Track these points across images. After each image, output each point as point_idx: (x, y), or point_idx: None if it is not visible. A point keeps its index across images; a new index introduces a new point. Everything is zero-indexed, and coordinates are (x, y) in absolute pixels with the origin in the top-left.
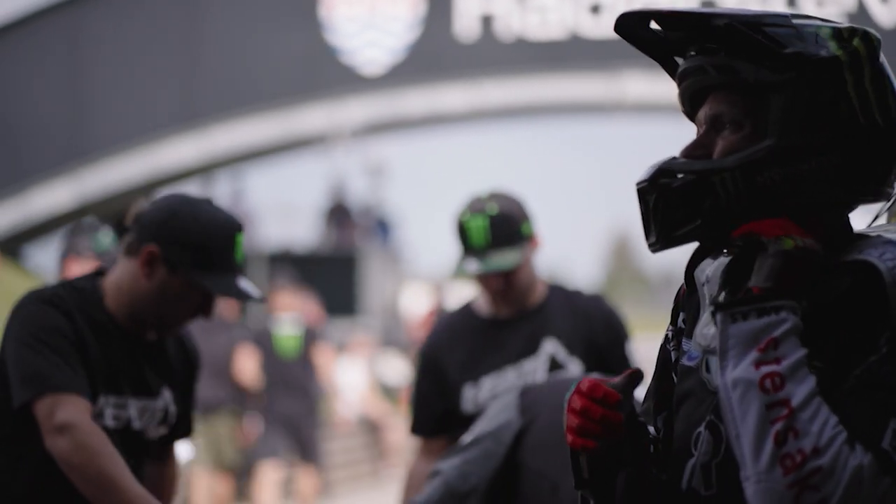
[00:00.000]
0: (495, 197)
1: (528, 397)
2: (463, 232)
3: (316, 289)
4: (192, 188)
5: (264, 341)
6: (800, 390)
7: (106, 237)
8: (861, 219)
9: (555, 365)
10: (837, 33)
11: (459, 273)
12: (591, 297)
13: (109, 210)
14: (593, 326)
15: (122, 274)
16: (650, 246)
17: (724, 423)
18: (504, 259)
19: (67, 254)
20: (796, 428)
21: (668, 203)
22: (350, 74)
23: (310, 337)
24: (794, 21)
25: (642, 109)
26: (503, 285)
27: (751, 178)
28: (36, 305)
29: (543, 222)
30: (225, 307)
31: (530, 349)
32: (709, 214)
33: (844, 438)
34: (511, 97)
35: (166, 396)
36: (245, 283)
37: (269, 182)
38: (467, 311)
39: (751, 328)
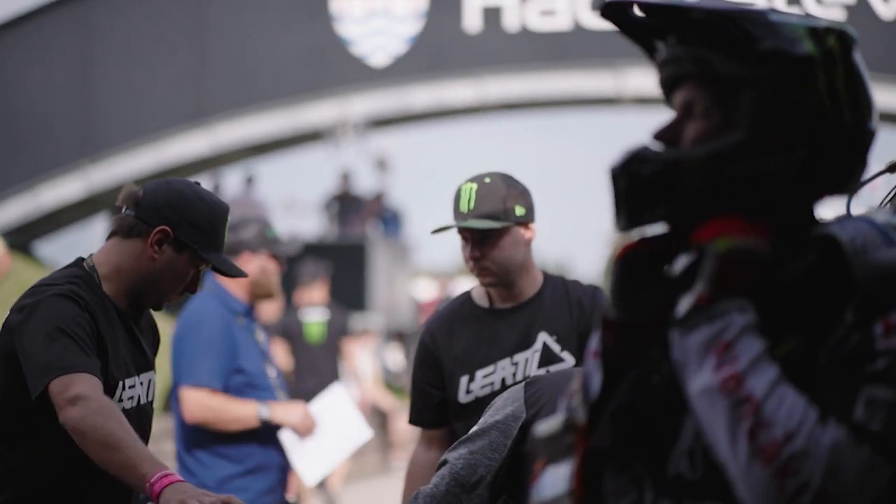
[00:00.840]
0: (498, 174)
1: (534, 389)
2: (455, 197)
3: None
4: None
5: (293, 330)
6: (760, 382)
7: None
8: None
9: (548, 358)
10: (813, 32)
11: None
12: (586, 289)
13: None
14: (586, 320)
15: (121, 255)
16: (617, 226)
17: (703, 432)
18: (480, 223)
19: (240, 251)
20: (764, 419)
21: (637, 189)
22: (356, 67)
23: (335, 325)
24: (772, 17)
25: (646, 103)
26: (478, 254)
27: (718, 170)
28: (54, 299)
29: (548, 214)
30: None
31: (525, 343)
32: (676, 202)
33: (815, 418)
34: (516, 90)
35: (153, 366)
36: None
37: (275, 176)
38: (466, 300)
39: (703, 337)
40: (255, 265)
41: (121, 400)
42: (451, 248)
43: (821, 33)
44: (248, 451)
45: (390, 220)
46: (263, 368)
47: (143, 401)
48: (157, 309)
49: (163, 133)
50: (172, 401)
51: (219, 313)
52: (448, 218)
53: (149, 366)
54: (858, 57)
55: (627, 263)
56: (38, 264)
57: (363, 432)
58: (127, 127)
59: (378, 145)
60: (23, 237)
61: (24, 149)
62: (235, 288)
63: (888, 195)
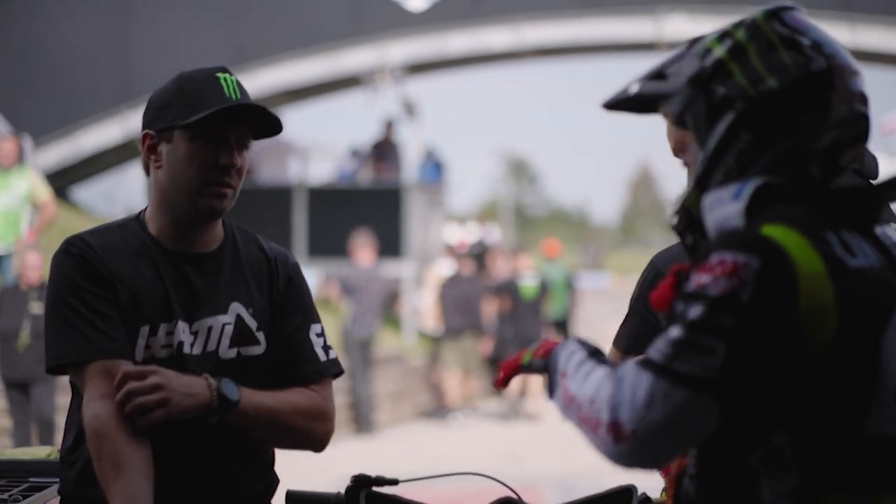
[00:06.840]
0: None
1: None
2: None
3: (361, 225)
4: None
5: (511, 289)
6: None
7: None
8: None
9: None
10: (721, 35)
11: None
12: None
13: None
14: None
15: (150, 191)
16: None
17: None
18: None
19: None
20: (577, 402)
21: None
22: (395, 12)
23: (543, 287)
24: (687, 49)
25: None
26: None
27: (704, 189)
28: (58, 259)
29: (583, 157)
30: (463, 265)
31: None
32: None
33: (605, 373)
34: (553, 36)
35: (239, 313)
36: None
37: (314, 121)
38: None
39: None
40: None
41: (148, 347)
42: (480, 194)
43: (731, 31)
44: None
45: (431, 168)
46: None
47: (187, 351)
48: (216, 214)
49: None
50: None
51: None
52: (482, 166)
53: (213, 310)
54: (778, 25)
55: None
56: (74, 209)
57: None
58: (165, 72)
59: (414, 90)
60: (60, 182)
61: (64, 95)
62: None
63: None
